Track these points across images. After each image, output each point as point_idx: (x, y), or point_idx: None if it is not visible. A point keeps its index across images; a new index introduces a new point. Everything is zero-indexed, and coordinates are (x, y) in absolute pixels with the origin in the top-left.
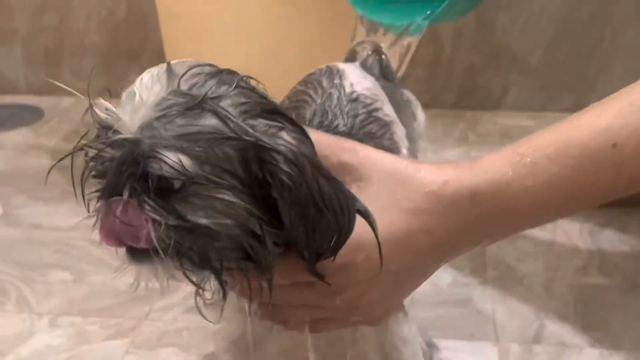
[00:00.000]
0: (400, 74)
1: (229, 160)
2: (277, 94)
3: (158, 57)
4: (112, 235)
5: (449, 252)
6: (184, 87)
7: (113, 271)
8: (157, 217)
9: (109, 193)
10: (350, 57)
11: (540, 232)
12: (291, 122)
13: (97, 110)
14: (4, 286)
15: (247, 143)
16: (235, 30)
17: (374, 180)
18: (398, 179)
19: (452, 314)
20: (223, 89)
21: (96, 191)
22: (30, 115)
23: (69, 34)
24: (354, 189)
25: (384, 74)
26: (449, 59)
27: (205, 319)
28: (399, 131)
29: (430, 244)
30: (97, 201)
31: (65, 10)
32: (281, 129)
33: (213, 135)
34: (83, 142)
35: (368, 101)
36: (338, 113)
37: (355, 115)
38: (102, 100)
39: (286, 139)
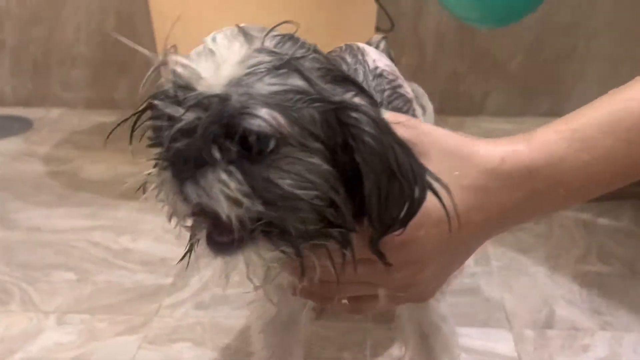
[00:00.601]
0: None
1: (314, 122)
2: None
3: (148, 67)
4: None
5: (498, 228)
6: (269, 45)
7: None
8: (245, 189)
9: (182, 160)
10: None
11: (537, 225)
12: (362, 89)
13: (171, 68)
14: (7, 287)
15: (332, 105)
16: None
17: (432, 156)
18: (457, 156)
19: (462, 303)
20: (301, 51)
21: (160, 159)
22: (19, 126)
23: (58, 45)
24: None
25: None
26: (431, 65)
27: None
28: (418, 109)
29: (483, 221)
30: (160, 171)
31: (54, 21)
32: (356, 94)
33: (300, 96)
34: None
35: (391, 77)
36: (366, 88)
37: (382, 91)
38: (176, 56)
39: (363, 104)
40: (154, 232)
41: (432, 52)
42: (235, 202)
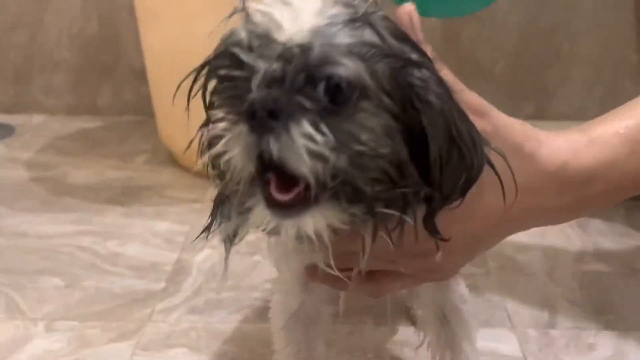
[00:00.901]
0: None
1: (386, 78)
2: None
3: (130, 72)
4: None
5: (533, 225)
6: None
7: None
8: (332, 143)
9: (263, 112)
10: None
11: None
12: (423, 52)
13: (248, 14)
14: None
15: (401, 62)
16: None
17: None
18: (520, 153)
19: None
20: (372, 7)
21: (232, 112)
22: (0, 132)
23: (40, 50)
24: None
25: None
26: None
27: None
28: None
29: (526, 218)
30: (232, 125)
31: (36, 26)
32: (420, 55)
33: (374, 50)
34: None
35: None
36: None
37: None
38: (255, 3)
39: (429, 64)
40: (142, 237)
41: None
42: (320, 158)
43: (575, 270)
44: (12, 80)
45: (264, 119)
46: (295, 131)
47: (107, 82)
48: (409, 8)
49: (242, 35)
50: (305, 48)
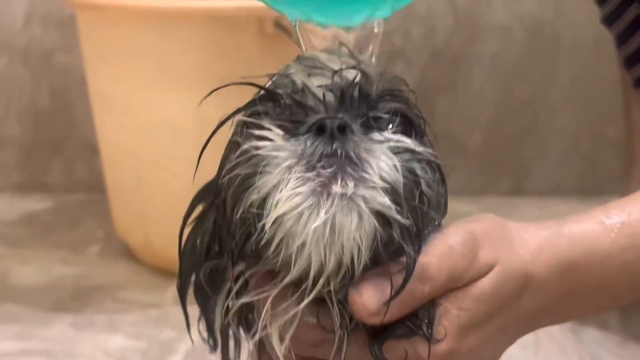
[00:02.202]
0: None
1: None
2: None
3: (83, 147)
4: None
5: (521, 332)
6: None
7: None
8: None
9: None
10: None
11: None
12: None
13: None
14: None
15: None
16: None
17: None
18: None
19: None
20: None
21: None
22: None
23: None
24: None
25: None
26: None
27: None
28: None
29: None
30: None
31: None
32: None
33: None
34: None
35: None
36: None
37: None
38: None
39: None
40: (91, 357)
41: None
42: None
43: None
44: None
45: (335, 131)
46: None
47: (58, 157)
48: None
49: (294, 73)
50: (366, 76)
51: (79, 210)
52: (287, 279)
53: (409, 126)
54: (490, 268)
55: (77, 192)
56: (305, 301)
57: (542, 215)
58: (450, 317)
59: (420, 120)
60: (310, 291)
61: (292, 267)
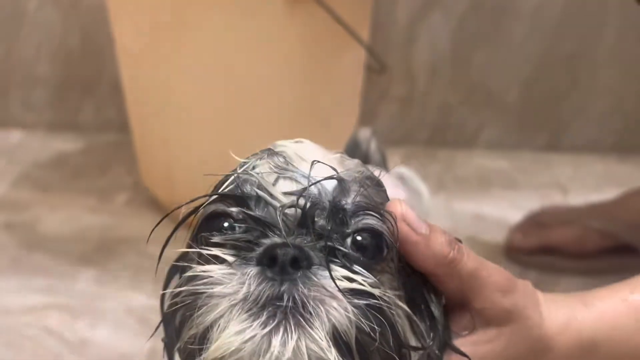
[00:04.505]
0: None
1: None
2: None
3: (113, 88)
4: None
5: None
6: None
7: None
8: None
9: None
10: (352, 145)
11: None
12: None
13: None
14: None
15: None
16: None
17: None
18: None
19: None
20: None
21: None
22: None
23: (18, 64)
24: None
25: (383, 158)
26: (423, 95)
27: None
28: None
29: None
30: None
31: (13, 39)
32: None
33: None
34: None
35: None
36: None
37: None
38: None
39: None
40: (114, 315)
41: (424, 83)
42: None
43: None
44: None
45: (286, 266)
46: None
47: (89, 97)
48: (400, 210)
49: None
50: (342, 186)
51: (108, 153)
52: None
53: (379, 249)
54: (514, 316)
55: (107, 132)
56: None
57: (578, 175)
58: None
59: (394, 238)
60: None
61: None
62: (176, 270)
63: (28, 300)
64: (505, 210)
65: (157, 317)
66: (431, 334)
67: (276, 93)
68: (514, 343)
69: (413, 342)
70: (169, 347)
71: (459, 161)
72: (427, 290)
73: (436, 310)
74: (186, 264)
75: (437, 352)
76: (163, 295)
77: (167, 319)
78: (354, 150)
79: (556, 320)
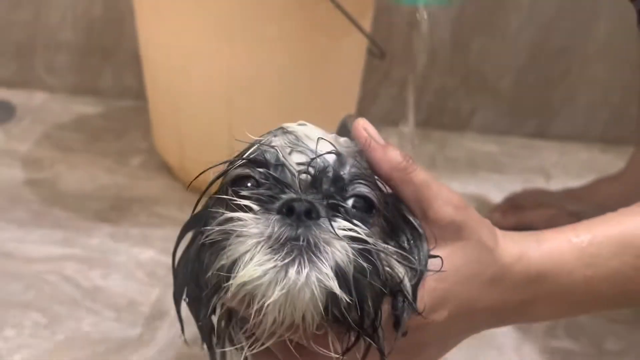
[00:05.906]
0: None
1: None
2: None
3: (132, 57)
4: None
5: (493, 325)
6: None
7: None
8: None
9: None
10: (341, 128)
11: None
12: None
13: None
14: None
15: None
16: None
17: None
18: (484, 247)
19: None
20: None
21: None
22: (1, 113)
23: (43, 29)
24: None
25: None
26: (421, 78)
27: None
28: None
29: (484, 316)
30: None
31: (40, 5)
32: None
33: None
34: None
35: None
36: None
37: None
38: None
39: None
40: (125, 267)
41: (423, 66)
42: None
43: (544, 346)
44: (14, 56)
45: (301, 215)
46: (336, 224)
47: (109, 64)
48: (362, 123)
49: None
50: (340, 159)
51: (126, 118)
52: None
53: (370, 208)
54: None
55: (125, 99)
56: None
57: (562, 162)
58: (428, 288)
59: (382, 199)
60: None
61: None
62: (187, 229)
63: (48, 250)
64: (489, 192)
65: (162, 271)
66: (414, 255)
67: (277, 73)
68: (469, 261)
69: (401, 269)
70: (176, 298)
71: (451, 143)
72: (405, 222)
73: (416, 232)
74: (218, 210)
75: (420, 269)
76: (174, 253)
77: (178, 272)
78: (342, 132)
79: (512, 251)
